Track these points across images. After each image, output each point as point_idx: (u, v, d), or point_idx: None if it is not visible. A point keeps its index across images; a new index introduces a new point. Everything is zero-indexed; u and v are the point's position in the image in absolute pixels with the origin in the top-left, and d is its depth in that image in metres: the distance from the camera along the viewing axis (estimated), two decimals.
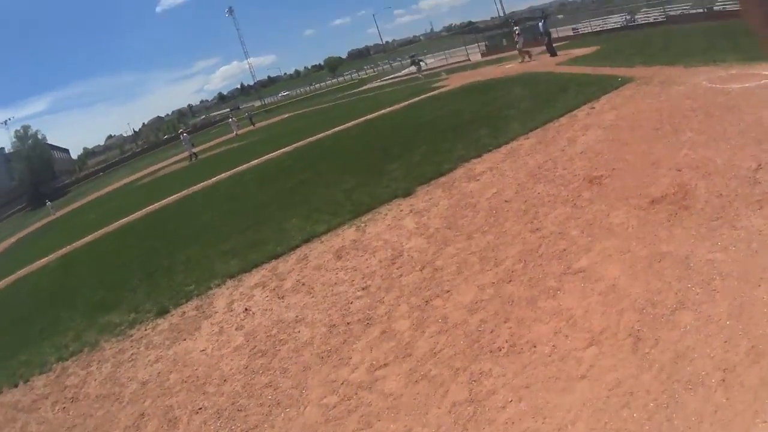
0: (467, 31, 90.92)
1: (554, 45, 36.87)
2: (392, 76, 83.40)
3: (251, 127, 66.69)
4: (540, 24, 38.89)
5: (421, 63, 70.07)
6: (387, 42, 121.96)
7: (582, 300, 7.24)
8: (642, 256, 7.84)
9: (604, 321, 6.70)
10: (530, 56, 37.89)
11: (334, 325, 8.66)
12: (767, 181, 9.02)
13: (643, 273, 7.45)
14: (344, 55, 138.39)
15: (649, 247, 8.03)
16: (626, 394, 5.38)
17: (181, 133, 56.32)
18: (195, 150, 47.91)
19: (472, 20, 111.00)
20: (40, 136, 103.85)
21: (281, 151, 28.92)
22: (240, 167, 28.20)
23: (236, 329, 9.66)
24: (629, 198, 9.87)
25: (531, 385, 6.00)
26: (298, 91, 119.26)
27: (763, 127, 11.32)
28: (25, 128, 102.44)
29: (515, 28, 42.55)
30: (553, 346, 6.52)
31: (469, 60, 61.85)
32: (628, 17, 59.70)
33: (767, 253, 7.02)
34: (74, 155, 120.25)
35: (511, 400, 5.87)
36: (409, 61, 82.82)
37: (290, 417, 6.89)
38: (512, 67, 35.63)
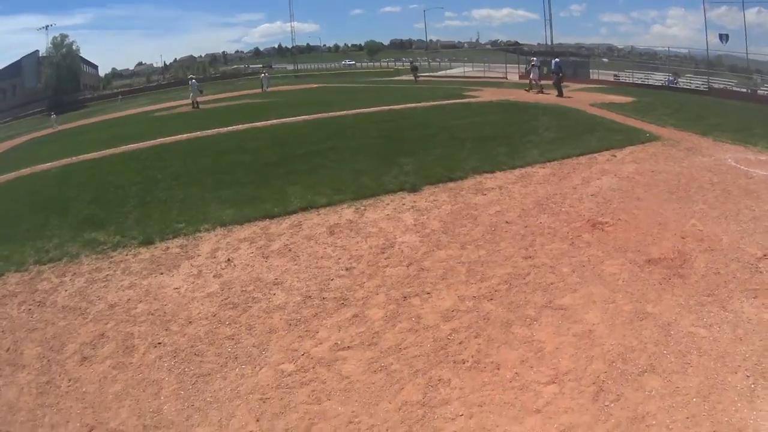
0: (511, 50, 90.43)
1: (563, 85, 36.17)
2: (427, 74, 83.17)
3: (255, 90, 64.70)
4: (553, 61, 38.46)
5: (418, 70, 69.88)
6: (431, 40, 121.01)
7: (556, 336, 7.25)
8: (625, 311, 7.84)
9: (572, 363, 6.71)
10: (542, 90, 37.67)
11: (310, 296, 8.67)
12: None
13: (622, 327, 7.46)
14: (386, 42, 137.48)
15: (634, 303, 8.03)
16: None
17: (191, 78, 54.77)
18: (200, 99, 46.56)
19: (519, 41, 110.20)
20: (75, 47, 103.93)
21: (301, 117, 28.54)
22: (258, 123, 27.94)
23: (214, 276, 9.66)
24: (627, 251, 9.88)
25: (485, 404, 6.02)
26: (333, 65, 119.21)
27: None
28: (63, 36, 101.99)
29: (533, 58, 42.24)
30: (516, 373, 6.53)
31: (506, 78, 61.73)
32: (671, 78, 59.63)
33: (751, 342, 7.01)
34: (102, 73, 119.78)
35: (462, 415, 5.89)
36: (408, 65, 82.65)
37: (244, 374, 6.91)
38: (545, 95, 35.47)
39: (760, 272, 8.96)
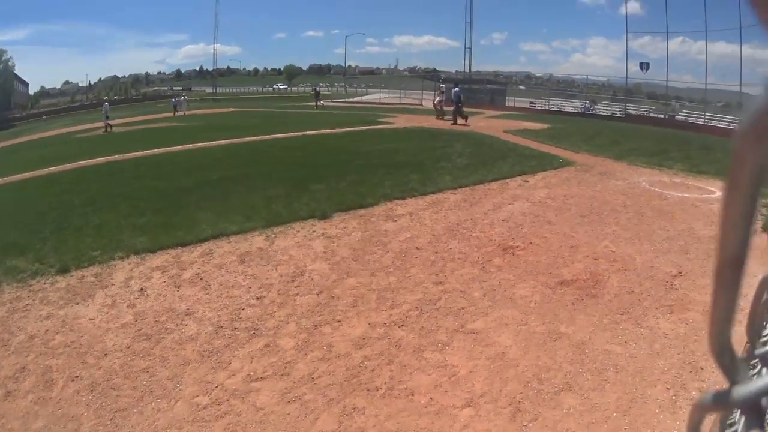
0: (428, 77, 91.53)
1: (465, 113, 37.14)
2: (343, 100, 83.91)
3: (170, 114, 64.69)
4: (453, 90, 38.58)
5: (320, 96, 70.40)
6: (349, 66, 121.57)
7: (469, 360, 7.30)
8: (538, 332, 7.96)
9: (487, 385, 6.75)
10: (443, 116, 38.52)
11: (222, 327, 8.56)
12: (684, 288, 9.29)
13: (535, 348, 7.55)
14: (305, 67, 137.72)
15: (547, 324, 8.16)
16: None
17: (105, 101, 54.75)
18: (110, 122, 46.52)
19: (437, 68, 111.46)
20: (10, 64, 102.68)
21: (216, 143, 28.74)
22: (173, 147, 27.84)
23: (128, 306, 9.45)
24: (539, 274, 10.06)
25: (401, 431, 6.01)
26: (253, 89, 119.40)
27: (692, 237, 11.66)
28: (1, 52, 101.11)
29: (441, 85, 42.40)
30: (431, 398, 6.53)
31: (421, 105, 62.62)
32: (587, 105, 61.16)
33: (669, 356, 7.21)
34: (31, 91, 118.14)
35: None
36: (311, 91, 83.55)
37: (160, 408, 6.76)
38: (460, 122, 35.92)
39: (676, 289, 9.24)
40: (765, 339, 1.49)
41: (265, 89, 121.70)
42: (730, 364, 0.68)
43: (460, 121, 36.29)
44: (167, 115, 60.78)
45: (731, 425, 1.36)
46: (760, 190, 0.43)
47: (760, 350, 1.42)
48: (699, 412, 0.86)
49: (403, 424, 6.13)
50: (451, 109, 37.44)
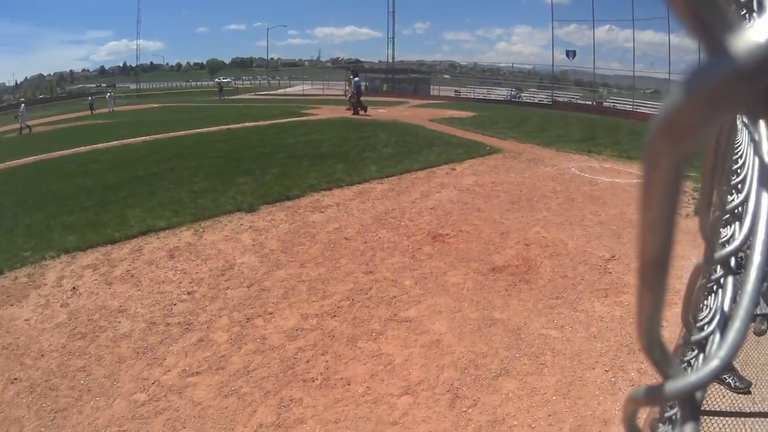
0: (351, 68, 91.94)
1: (365, 103, 37.32)
2: (266, 92, 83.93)
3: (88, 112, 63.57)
4: (354, 80, 38.01)
5: (224, 90, 70.60)
6: (272, 58, 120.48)
7: (404, 349, 7.37)
8: (472, 319, 8.05)
9: (423, 373, 6.82)
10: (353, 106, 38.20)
11: (155, 323, 8.48)
12: (618, 272, 9.49)
13: (470, 334, 7.65)
14: (228, 61, 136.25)
15: (481, 311, 8.26)
16: None
17: (21, 102, 53.30)
18: (28, 123, 45.09)
19: (360, 59, 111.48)
20: None
21: (141, 139, 28.24)
22: (98, 145, 27.37)
23: (61, 306, 9.28)
24: (470, 261, 10.18)
25: (340, 421, 6.03)
26: (176, 84, 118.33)
27: (624, 222, 11.90)
28: None
29: (351, 75, 42.01)
30: (368, 387, 6.58)
31: (345, 96, 62.94)
32: (513, 93, 61.92)
33: (606, 339, 7.39)
34: None
35: None
36: (216, 84, 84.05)
37: (99, 406, 6.67)
38: (385, 112, 36.06)
39: (609, 273, 9.45)
40: (701, 324, 1.55)
41: (188, 83, 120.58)
42: (662, 359, 0.69)
43: (360, 111, 36.46)
44: (97, 112, 60.05)
45: (671, 420, 1.41)
46: (677, 191, 0.43)
47: (696, 336, 1.47)
48: (632, 405, 0.89)
49: (342, 413, 6.16)
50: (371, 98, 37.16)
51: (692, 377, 0.69)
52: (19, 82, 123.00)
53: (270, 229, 12.30)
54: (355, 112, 36.26)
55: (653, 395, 0.74)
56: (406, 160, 18.45)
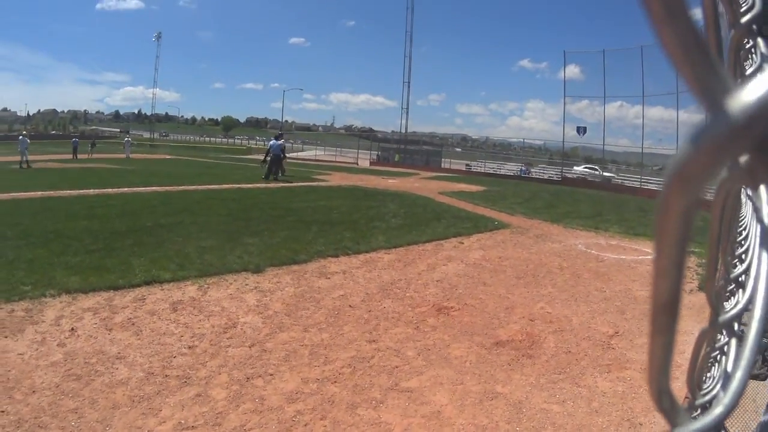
0: (365, 136, 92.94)
1: (285, 168, 37.81)
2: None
3: (87, 156, 64.09)
4: (273, 143, 37.97)
5: (129, 147, 70.52)
6: (286, 121, 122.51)
7: (403, 418, 7.24)
8: (474, 391, 7.95)
9: None
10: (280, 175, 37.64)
11: (153, 373, 8.35)
12: (621, 348, 9.46)
13: (471, 407, 7.54)
14: (242, 119, 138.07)
15: (483, 384, 8.17)
16: None
17: (23, 135, 51.72)
18: (28, 158, 45.11)
19: (374, 128, 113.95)
20: None
21: (152, 188, 28.62)
22: (108, 189, 27.63)
23: (58, 345, 9.17)
24: (474, 335, 10.11)
25: None
26: (189, 137, 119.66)
27: (629, 298, 11.91)
28: None
29: (274, 138, 40.15)
30: None
31: (357, 164, 63.44)
32: (523, 168, 62.43)
33: (608, 414, 7.30)
34: None
35: None
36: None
37: None
38: (396, 183, 36.30)
39: (613, 348, 9.41)
40: (705, 391, 1.53)
41: (201, 138, 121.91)
42: (670, 408, 0.69)
43: (272, 177, 36.58)
44: (107, 156, 60.22)
45: None
46: (688, 236, 0.45)
47: (700, 401, 1.46)
48: None
49: None
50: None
51: (698, 424, 0.72)
52: (31, 113, 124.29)
53: (275, 291, 12.24)
54: (267, 177, 36.29)
55: None
56: (414, 232, 18.66)
